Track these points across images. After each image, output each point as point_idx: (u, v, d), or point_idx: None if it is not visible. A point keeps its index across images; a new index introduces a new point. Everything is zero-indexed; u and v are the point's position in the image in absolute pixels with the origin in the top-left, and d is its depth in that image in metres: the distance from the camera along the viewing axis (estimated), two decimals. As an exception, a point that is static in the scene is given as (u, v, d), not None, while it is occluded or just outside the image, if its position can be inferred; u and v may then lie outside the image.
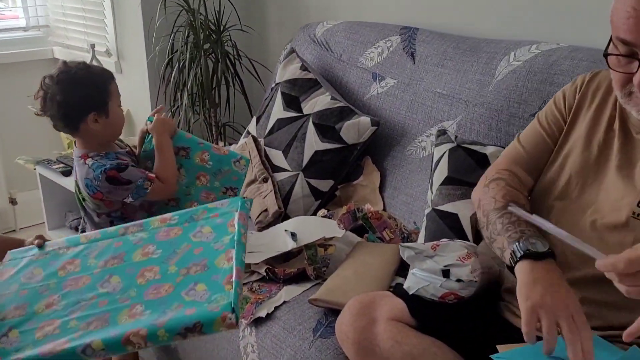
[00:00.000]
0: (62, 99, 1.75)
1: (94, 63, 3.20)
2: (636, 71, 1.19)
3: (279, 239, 1.87)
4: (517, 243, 1.24)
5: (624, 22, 1.18)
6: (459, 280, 1.38)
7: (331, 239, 1.81)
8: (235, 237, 1.29)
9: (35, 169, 3.07)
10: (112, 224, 1.82)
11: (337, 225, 1.86)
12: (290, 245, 1.79)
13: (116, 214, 1.87)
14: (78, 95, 1.76)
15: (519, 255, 1.22)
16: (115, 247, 1.36)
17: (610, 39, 1.24)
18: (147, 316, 1.16)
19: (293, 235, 1.81)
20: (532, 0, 2.09)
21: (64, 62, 1.82)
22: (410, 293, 1.42)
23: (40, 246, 1.42)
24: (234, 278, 1.20)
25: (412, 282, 1.43)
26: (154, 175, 1.80)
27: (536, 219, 1.19)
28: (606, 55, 1.25)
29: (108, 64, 3.26)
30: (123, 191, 1.77)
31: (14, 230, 3.52)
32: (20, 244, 1.49)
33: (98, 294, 1.25)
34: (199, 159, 1.88)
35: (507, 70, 1.91)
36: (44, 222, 3.26)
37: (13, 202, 3.47)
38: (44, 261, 1.37)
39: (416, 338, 1.35)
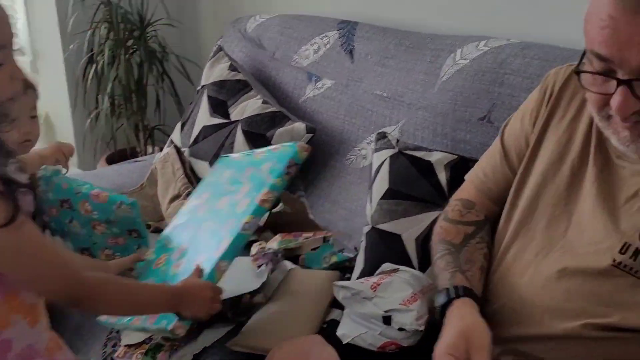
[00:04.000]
0: None
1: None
2: (614, 92, 0.96)
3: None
4: None
5: (599, 32, 0.95)
6: (401, 329, 1.17)
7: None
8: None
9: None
10: None
11: (255, 271, 1.61)
12: None
13: None
14: None
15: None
16: None
17: (584, 52, 1.02)
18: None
19: None
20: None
21: None
22: (345, 342, 1.21)
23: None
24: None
25: (348, 329, 1.22)
26: None
27: None
28: (578, 72, 1.03)
29: (22, 63, 2.97)
30: None
31: None
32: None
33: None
34: (83, 210, 1.65)
35: (453, 69, 1.71)
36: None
37: None
38: None
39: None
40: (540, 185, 1.16)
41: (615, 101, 0.96)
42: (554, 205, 1.13)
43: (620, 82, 0.95)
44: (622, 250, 1.02)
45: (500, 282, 1.16)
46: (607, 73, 0.97)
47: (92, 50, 2.73)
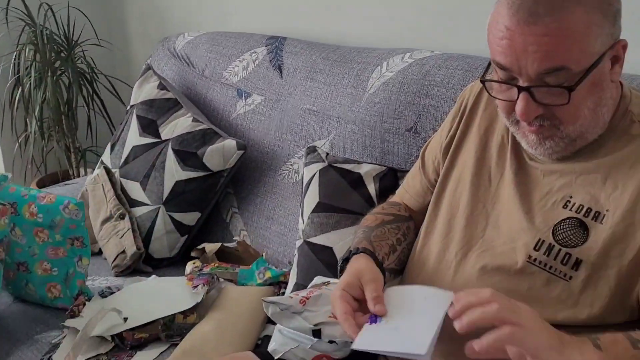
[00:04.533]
0: None
1: None
2: (517, 99, 1.01)
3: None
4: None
5: (498, 43, 1.00)
6: (331, 342, 1.18)
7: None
8: None
9: None
10: None
11: (190, 291, 1.59)
12: (116, 328, 1.52)
13: None
14: None
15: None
16: None
17: (490, 63, 1.06)
18: None
19: (120, 312, 1.53)
20: (405, 6, 1.94)
21: None
22: (276, 357, 1.21)
23: None
24: None
25: (279, 344, 1.22)
26: None
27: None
28: (483, 81, 1.07)
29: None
30: None
31: None
32: None
33: None
34: (28, 214, 1.62)
35: (379, 82, 1.73)
36: None
37: None
38: None
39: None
40: (459, 191, 1.20)
41: (518, 107, 1.01)
42: (472, 207, 1.17)
43: (520, 90, 1.00)
44: (536, 247, 1.06)
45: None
46: (509, 81, 1.02)
47: (18, 72, 2.66)
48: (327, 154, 1.68)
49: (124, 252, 1.91)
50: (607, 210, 1.03)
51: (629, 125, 1.07)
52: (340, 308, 1.04)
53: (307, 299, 1.22)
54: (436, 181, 1.29)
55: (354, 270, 1.11)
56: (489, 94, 1.08)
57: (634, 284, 1.00)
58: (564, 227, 1.05)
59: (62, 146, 2.73)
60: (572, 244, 1.04)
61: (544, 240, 1.06)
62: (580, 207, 1.05)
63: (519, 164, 1.14)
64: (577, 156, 1.08)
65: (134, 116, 2.10)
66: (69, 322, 1.59)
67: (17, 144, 2.72)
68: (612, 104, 1.06)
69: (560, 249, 1.04)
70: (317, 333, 1.19)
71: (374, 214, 1.32)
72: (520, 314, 0.91)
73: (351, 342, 1.18)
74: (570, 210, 1.06)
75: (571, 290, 1.03)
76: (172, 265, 1.96)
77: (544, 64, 0.97)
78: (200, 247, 1.91)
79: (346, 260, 1.17)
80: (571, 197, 1.07)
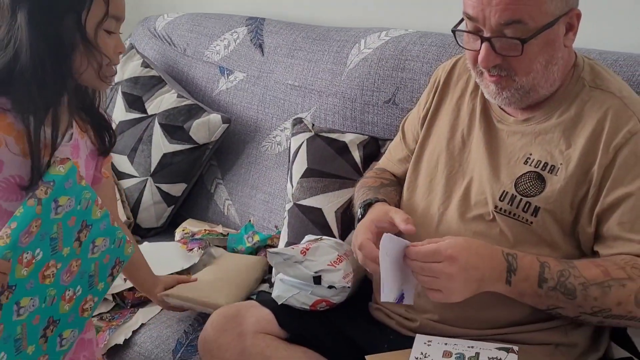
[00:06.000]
0: None
1: None
2: (480, 49, 1.16)
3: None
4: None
5: None
6: (330, 287, 1.30)
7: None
8: None
9: None
10: None
11: (186, 254, 1.70)
12: (117, 288, 1.61)
13: None
14: None
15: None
16: None
17: (462, 18, 1.22)
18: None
19: None
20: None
21: None
22: (280, 303, 1.33)
23: None
24: None
25: (281, 291, 1.34)
26: None
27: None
28: (454, 31, 1.22)
29: None
30: None
31: None
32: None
33: None
34: None
35: (358, 58, 1.86)
36: None
37: None
38: None
39: (286, 351, 1.28)
40: (436, 155, 1.35)
41: (480, 55, 1.17)
42: (450, 167, 1.32)
43: (483, 40, 1.16)
44: (501, 198, 1.22)
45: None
46: (475, 32, 1.17)
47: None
48: (313, 124, 1.80)
49: (114, 221, 1.99)
50: (561, 164, 1.19)
51: (580, 90, 1.23)
52: (364, 234, 1.20)
53: (307, 249, 1.34)
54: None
55: (379, 209, 1.27)
56: (459, 44, 1.23)
57: (583, 224, 1.18)
58: (524, 179, 1.22)
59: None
60: (532, 194, 1.20)
61: (507, 192, 1.22)
62: (539, 162, 1.21)
63: (487, 126, 1.30)
64: (536, 119, 1.24)
65: (120, 93, 2.18)
66: None
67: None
68: (562, 64, 1.21)
69: (521, 199, 1.20)
70: (317, 280, 1.31)
71: (371, 177, 1.46)
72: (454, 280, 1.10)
73: (349, 287, 1.32)
74: (530, 165, 1.22)
75: (533, 232, 1.19)
76: (159, 234, 2.05)
77: (504, 15, 1.12)
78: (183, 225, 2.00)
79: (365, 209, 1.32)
80: (531, 154, 1.23)
